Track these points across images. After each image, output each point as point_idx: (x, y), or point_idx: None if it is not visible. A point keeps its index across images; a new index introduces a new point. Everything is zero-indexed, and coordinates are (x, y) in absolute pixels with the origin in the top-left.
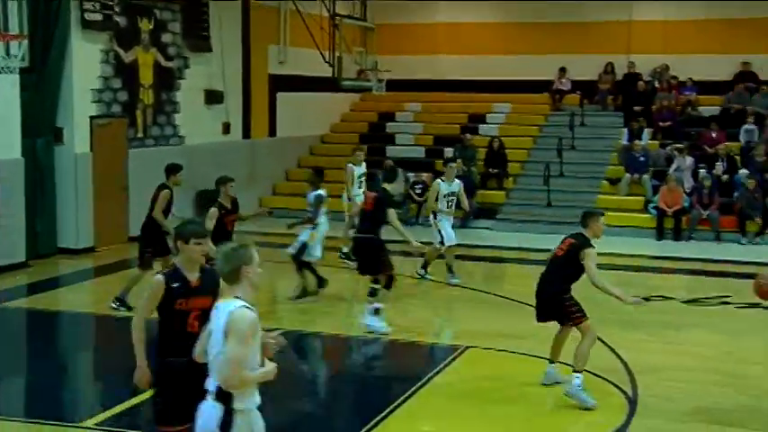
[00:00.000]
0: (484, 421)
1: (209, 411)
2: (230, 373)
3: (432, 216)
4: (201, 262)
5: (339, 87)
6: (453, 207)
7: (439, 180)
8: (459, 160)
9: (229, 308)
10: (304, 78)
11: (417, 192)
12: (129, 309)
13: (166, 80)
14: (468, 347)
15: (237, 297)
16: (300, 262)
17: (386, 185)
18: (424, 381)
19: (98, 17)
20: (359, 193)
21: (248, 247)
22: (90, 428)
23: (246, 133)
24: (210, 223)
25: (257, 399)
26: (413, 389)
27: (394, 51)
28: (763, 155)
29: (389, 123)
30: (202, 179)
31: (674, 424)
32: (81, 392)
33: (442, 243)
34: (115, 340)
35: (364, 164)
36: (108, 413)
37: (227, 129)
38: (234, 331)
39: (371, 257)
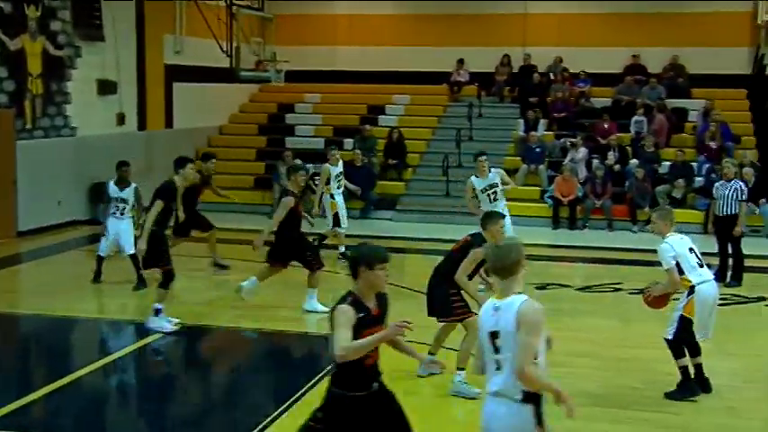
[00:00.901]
0: None
1: (518, 414)
2: (521, 363)
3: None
4: (382, 289)
5: (237, 78)
6: (501, 199)
7: (472, 177)
8: (358, 151)
9: (515, 305)
10: (201, 69)
11: (317, 183)
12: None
13: (56, 70)
14: None
15: (518, 293)
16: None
17: (174, 176)
18: (323, 372)
19: None
20: (338, 192)
21: (519, 240)
22: None
23: (142, 125)
24: (284, 212)
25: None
26: (312, 381)
27: (292, 42)
28: (652, 146)
29: (289, 114)
30: (96, 171)
31: None
32: None
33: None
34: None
35: (341, 162)
36: None
37: (121, 120)
38: (525, 323)
39: (153, 250)
